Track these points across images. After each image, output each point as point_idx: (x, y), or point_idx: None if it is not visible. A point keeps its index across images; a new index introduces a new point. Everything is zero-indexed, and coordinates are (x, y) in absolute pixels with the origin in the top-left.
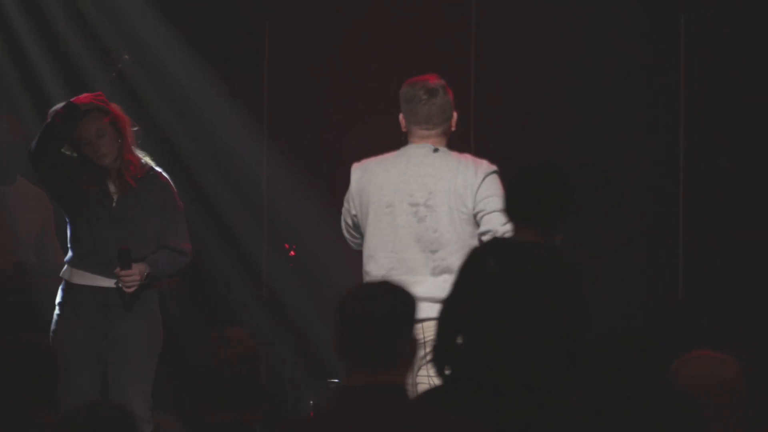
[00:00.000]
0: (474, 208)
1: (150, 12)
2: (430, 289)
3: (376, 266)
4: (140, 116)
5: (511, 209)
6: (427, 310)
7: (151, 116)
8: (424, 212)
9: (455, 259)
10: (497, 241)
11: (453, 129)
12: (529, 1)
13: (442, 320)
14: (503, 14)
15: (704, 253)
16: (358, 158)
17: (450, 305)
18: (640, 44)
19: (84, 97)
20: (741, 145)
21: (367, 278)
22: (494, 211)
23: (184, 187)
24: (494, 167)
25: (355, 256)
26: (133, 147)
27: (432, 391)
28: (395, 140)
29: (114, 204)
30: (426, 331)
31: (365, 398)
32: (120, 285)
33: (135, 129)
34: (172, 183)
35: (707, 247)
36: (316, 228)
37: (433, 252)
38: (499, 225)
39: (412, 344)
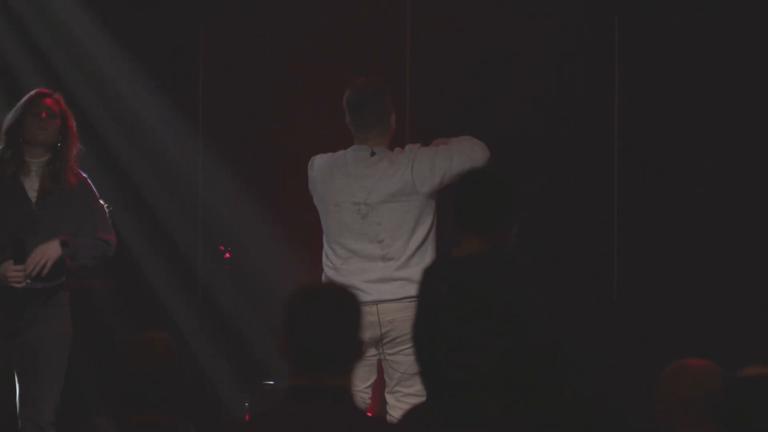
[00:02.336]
0: (438, 183)
1: (83, 12)
2: (382, 272)
3: (335, 256)
4: (77, 120)
5: (456, 218)
6: (381, 292)
7: (85, 117)
8: (365, 210)
9: (400, 245)
10: (444, 260)
11: (392, 128)
12: (464, 7)
13: (417, 342)
14: (439, 16)
15: (639, 254)
16: (295, 160)
17: (417, 329)
18: (576, 45)
19: (41, 90)
20: (674, 146)
21: (327, 267)
22: (447, 157)
23: (119, 189)
24: (416, 144)
25: (289, 259)
26: (74, 159)
27: (422, 406)
28: (332, 142)
29: (33, 205)
30: (381, 314)
31: (309, 400)
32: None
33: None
34: (92, 184)
35: (642, 248)
36: (251, 230)
37: (380, 242)
38: (456, 154)
39: (358, 347)
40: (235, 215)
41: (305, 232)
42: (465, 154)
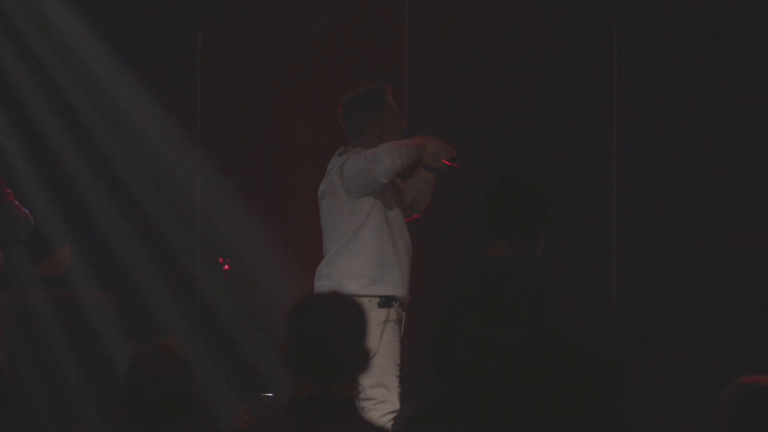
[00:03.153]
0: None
1: (81, 20)
2: (321, 266)
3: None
4: (71, 126)
5: (490, 221)
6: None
7: (84, 127)
8: (320, 205)
9: (327, 241)
10: (474, 260)
11: (372, 131)
12: (463, 7)
13: (435, 341)
14: (437, 19)
15: (638, 255)
16: (295, 169)
17: (438, 327)
18: (575, 48)
19: None
20: (673, 147)
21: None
22: (354, 160)
23: (116, 198)
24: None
25: (287, 269)
26: None
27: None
28: (332, 146)
29: None
30: None
31: (312, 410)
32: None
33: None
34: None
35: (641, 249)
36: (250, 242)
37: (325, 236)
38: (359, 159)
39: (363, 357)
40: (234, 225)
41: (304, 242)
42: (365, 161)
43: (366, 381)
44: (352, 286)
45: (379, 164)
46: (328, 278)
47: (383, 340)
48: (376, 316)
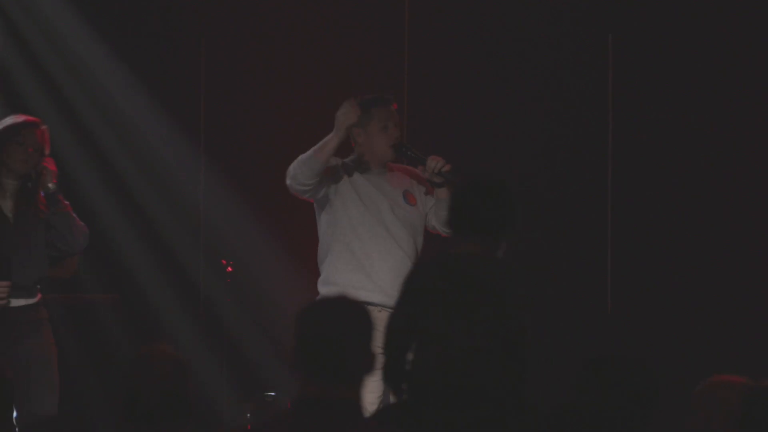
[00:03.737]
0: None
1: (86, 30)
2: None
3: None
4: (77, 133)
5: (455, 221)
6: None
7: (88, 134)
8: None
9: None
10: (442, 255)
11: (353, 143)
12: (460, 14)
13: (392, 335)
14: (434, 36)
15: (632, 268)
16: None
17: (397, 322)
18: (571, 62)
19: (30, 118)
20: (667, 158)
21: None
22: None
23: (120, 204)
24: None
25: (289, 272)
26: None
27: (392, 407)
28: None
29: (11, 225)
30: None
31: (317, 411)
32: None
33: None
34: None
35: (636, 259)
36: (252, 244)
37: None
38: None
39: (369, 360)
40: (236, 229)
41: (305, 245)
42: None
43: None
44: (324, 293)
45: (292, 170)
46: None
47: None
48: None
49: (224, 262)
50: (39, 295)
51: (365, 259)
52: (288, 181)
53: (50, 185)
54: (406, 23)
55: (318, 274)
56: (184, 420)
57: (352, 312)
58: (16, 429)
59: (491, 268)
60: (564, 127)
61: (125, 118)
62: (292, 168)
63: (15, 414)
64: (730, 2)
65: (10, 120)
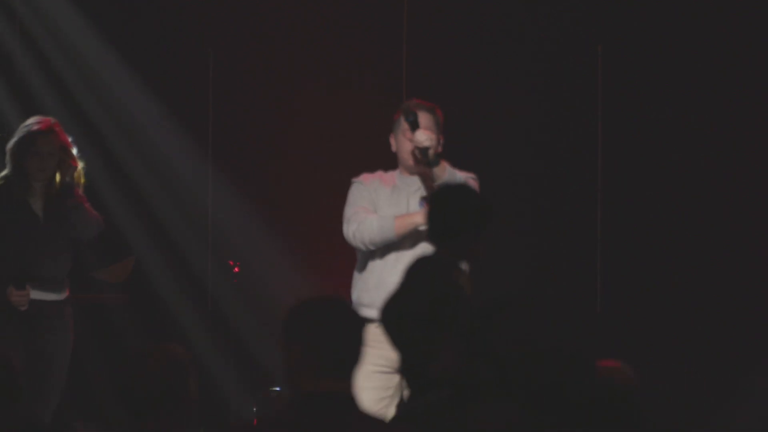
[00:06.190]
0: None
1: (98, 40)
2: None
3: None
4: (89, 139)
5: (429, 228)
6: None
7: (100, 139)
8: None
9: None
10: (416, 260)
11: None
12: (456, 22)
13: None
14: (433, 27)
15: (622, 268)
16: (300, 178)
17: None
18: (561, 71)
19: (47, 120)
20: (656, 166)
21: None
22: None
23: (131, 207)
24: (355, 179)
25: (294, 271)
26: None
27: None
28: (339, 157)
29: (41, 222)
30: None
31: (314, 405)
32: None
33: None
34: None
35: (625, 260)
36: (258, 245)
37: None
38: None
39: (359, 353)
40: (243, 231)
41: (311, 245)
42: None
43: None
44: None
45: (362, 232)
46: None
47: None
48: None
49: (231, 263)
50: (68, 291)
51: (373, 274)
52: (351, 235)
53: (67, 179)
54: (405, 25)
55: (324, 275)
56: (181, 417)
57: (338, 310)
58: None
59: (439, 271)
60: (554, 134)
61: (137, 125)
62: (364, 229)
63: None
64: (719, 12)
65: (25, 129)
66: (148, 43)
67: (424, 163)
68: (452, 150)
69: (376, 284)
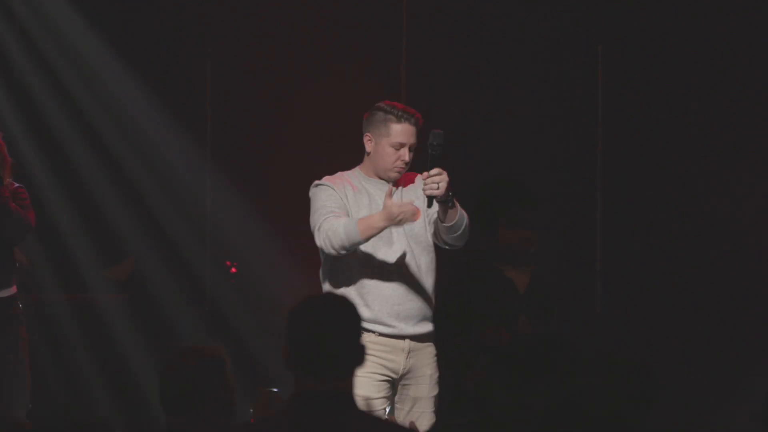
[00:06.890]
0: None
1: (97, 40)
2: None
3: None
4: (89, 139)
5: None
6: None
7: (100, 139)
8: None
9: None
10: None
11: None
12: (455, 22)
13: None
14: (432, 28)
15: (622, 268)
16: (299, 178)
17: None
18: (561, 71)
19: None
20: (656, 167)
21: None
22: None
23: (129, 208)
24: (318, 181)
25: (291, 272)
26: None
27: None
28: (339, 157)
29: None
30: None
31: (313, 404)
32: None
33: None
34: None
35: (624, 261)
36: (257, 245)
37: None
38: None
39: (360, 353)
40: (243, 230)
41: (310, 245)
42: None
43: None
44: None
45: (331, 237)
46: None
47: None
48: None
49: (228, 263)
50: (14, 288)
51: (362, 288)
52: (322, 243)
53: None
54: (404, 25)
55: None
56: (214, 410)
57: (339, 308)
58: None
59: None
60: (554, 133)
61: (135, 125)
62: (333, 236)
63: None
64: (719, 12)
65: None
66: (147, 43)
67: (439, 202)
68: (452, 150)
69: (374, 298)
